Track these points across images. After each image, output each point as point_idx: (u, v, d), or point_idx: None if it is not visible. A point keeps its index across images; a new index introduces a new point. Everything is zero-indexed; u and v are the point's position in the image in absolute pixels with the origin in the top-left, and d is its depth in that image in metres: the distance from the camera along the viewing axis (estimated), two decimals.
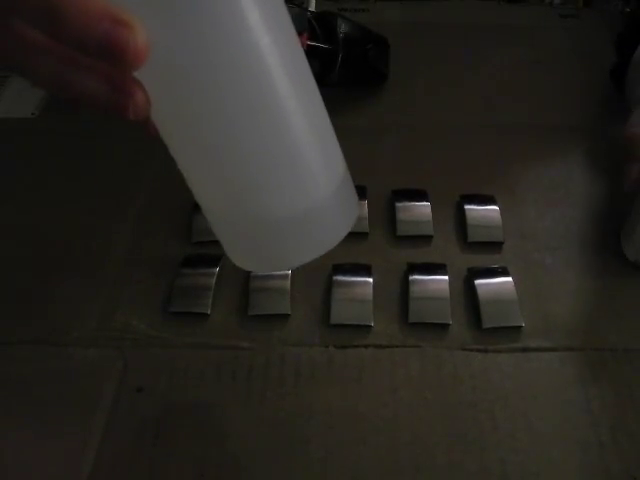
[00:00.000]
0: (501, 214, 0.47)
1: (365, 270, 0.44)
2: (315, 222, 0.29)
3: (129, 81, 0.24)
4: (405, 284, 0.43)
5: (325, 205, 0.28)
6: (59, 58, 0.24)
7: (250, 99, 0.25)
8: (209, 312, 0.42)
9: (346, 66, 0.55)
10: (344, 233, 0.30)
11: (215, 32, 0.23)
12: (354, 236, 0.47)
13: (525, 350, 0.40)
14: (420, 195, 0.49)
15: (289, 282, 0.43)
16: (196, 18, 0.23)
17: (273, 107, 0.26)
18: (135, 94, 0.24)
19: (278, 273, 0.44)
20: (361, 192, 0.49)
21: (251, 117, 0.25)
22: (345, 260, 0.45)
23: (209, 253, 0.46)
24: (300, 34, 0.53)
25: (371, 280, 0.43)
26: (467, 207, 0.48)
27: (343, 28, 0.56)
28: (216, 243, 0.46)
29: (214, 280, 0.44)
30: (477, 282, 0.43)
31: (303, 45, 0.53)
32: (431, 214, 0.48)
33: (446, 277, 0.43)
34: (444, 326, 0.41)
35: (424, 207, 0.48)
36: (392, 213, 0.48)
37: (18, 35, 0.24)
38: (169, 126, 0.27)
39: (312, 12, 0.57)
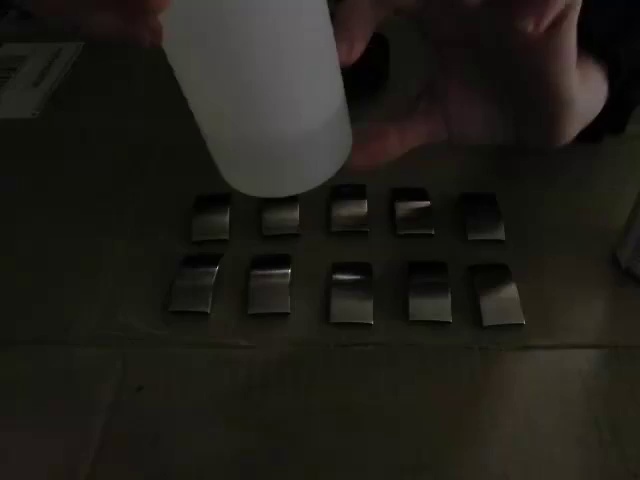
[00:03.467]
0: (501, 212, 0.47)
1: (365, 269, 0.44)
2: (315, 147, 0.30)
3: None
4: (405, 282, 0.43)
5: (325, 130, 0.30)
6: None
7: (260, 18, 0.26)
8: (209, 311, 0.42)
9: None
10: (341, 163, 0.32)
11: None
12: (354, 235, 0.47)
13: (526, 348, 0.40)
14: (420, 194, 0.49)
15: (289, 280, 0.43)
16: None
17: (281, 25, 0.26)
18: (150, 21, 0.24)
19: (277, 271, 0.44)
20: (360, 191, 0.49)
21: (259, 34, 0.26)
22: (345, 259, 0.45)
23: (209, 252, 0.46)
24: None
25: (371, 279, 0.43)
26: (467, 206, 0.48)
27: None
28: (216, 242, 0.47)
29: (214, 279, 0.43)
30: (478, 280, 0.43)
31: None
32: (431, 212, 0.48)
33: (446, 275, 0.43)
34: (444, 324, 0.41)
35: (424, 205, 0.48)
36: (392, 212, 0.48)
37: None
38: (177, 47, 0.27)
39: None
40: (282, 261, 0.45)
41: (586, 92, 0.37)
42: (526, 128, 0.38)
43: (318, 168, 0.32)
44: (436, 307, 0.42)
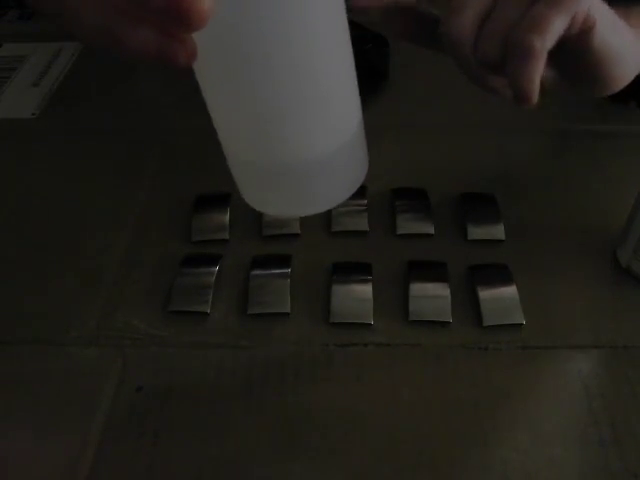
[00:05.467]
0: (501, 212, 0.47)
1: (365, 268, 0.44)
2: (336, 166, 0.31)
3: None
4: (405, 282, 0.43)
5: (345, 150, 0.31)
6: (111, 9, 0.25)
7: (294, 39, 0.26)
8: (209, 311, 0.42)
9: None
10: (360, 182, 0.33)
11: None
12: (354, 235, 0.47)
13: (525, 348, 0.40)
14: (420, 194, 0.49)
15: (289, 281, 0.43)
16: None
17: (313, 50, 0.27)
18: (187, 40, 0.24)
19: (277, 271, 0.44)
20: (361, 191, 0.49)
21: (293, 56, 0.27)
22: (345, 259, 0.45)
23: (209, 252, 0.46)
24: None
25: (371, 278, 0.43)
26: (467, 206, 0.48)
27: None
28: (216, 242, 0.47)
29: (214, 279, 0.43)
30: (477, 280, 0.43)
31: None
32: (431, 213, 0.48)
33: (446, 275, 0.43)
34: (444, 324, 0.41)
35: (424, 205, 0.48)
36: (392, 212, 0.48)
37: None
38: (209, 65, 0.27)
39: None
40: (282, 261, 0.45)
41: (636, 38, 0.36)
42: (574, 75, 0.37)
43: (338, 187, 0.33)
44: (436, 307, 0.42)
